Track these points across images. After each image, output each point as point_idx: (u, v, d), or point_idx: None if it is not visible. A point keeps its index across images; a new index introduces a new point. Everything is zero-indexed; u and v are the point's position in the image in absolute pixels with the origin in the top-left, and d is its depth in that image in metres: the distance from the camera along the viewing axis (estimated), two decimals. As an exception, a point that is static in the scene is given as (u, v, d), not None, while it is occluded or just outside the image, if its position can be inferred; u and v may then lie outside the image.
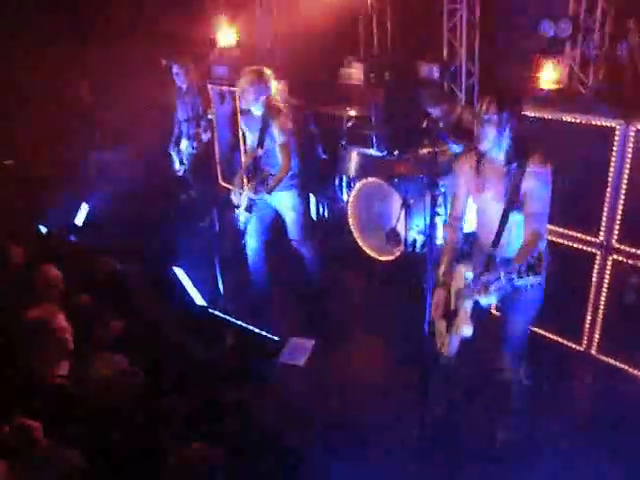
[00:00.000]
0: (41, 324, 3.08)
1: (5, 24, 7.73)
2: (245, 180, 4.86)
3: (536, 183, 2.96)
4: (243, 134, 5.03)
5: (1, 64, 7.68)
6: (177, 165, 6.93)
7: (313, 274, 5.20)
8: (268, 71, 4.69)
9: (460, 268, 3.14)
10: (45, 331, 3.06)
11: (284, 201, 4.85)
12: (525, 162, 2.96)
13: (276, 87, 4.82)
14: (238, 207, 4.83)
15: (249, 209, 4.77)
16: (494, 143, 2.97)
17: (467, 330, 3.04)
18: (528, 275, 2.62)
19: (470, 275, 3.03)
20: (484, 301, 2.89)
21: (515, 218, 3.03)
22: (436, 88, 5.99)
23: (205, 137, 6.74)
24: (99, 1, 8.25)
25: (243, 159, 5.06)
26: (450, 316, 3.17)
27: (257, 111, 4.68)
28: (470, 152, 3.17)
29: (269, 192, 4.68)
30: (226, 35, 7.58)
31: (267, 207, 4.91)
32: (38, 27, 7.87)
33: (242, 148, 5.19)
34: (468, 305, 3.03)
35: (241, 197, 4.80)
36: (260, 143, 4.70)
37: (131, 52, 8.61)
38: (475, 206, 3.27)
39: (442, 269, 3.21)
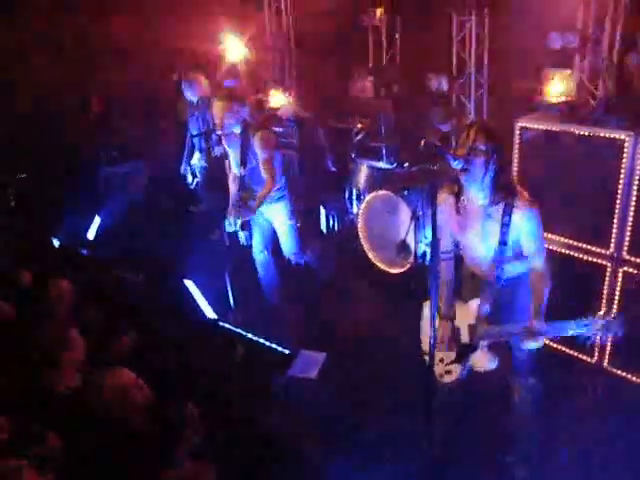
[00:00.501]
0: (54, 337, 3.12)
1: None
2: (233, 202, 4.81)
3: (529, 223, 2.88)
4: (227, 154, 4.97)
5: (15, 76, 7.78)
6: (190, 179, 6.97)
7: (318, 274, 5.24)
8: (238, 92, 4.71)
9: (472, 304, 3.11)
10: (58, 344, 3.10)
11: (275, 213, 4.86)
12: (512, 203, 2.86)
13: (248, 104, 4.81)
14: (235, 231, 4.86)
15: (244, 227, 4.79)
16: (478, 176, 2.81)
17: (493, 364, 3.07)
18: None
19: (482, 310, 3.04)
20: (531, 345, 2.84)
21: (509, 254, 2.98)
22: (445, 105, 6.02)
23: (217, 151, 6.73)
24: (109, 14, 8.32)
25: (230, 182, 4.98)
26: (464, 349, 3.13)
27: (237, 130, 4.64)
28: (448, 189, 3.04)
29: (253, 212, 4.67)
30: (236, 49, 7.67)
31: (264, 220, 4.93)
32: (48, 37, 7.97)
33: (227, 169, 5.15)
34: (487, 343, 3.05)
35: (233, 222, 4.79)
36: (243, 162, 4.66)
37: (142, 66, 8.71)
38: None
39: (442, 301, 3.16)
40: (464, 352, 3.11)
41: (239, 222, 4.74)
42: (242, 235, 4.86)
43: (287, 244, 5.01)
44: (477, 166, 2.78)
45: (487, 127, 2.85)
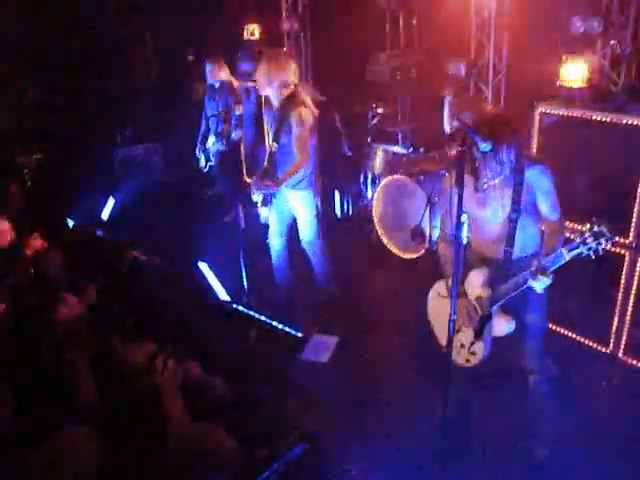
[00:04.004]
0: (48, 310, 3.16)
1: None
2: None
3: (540, 181, 2.92)
4: (268, 129, 4.82)
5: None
6: (203, 162, 6.94)
7: (322, 275, 5.04)
8: (286, 54, 4.47)
9: (471, 276, 3.14)
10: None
11: (299, 201, 4.68)
12: (522, 162, 2.90)
13: (294, 73, 4.44)
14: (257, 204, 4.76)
15: (265, 203, 4.65)
16: (502, 155, 2.84)
17: (511, 326, 3.11)
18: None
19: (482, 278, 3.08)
20: (540, 285, 2.82)
21: (523, 221, 2.99)
22: (461, 94, 5.94)
23: (235, 135, 6.62)
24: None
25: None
26: (481, 322, 3.14)
27: (275, 100, 4.44)
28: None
29: (277, 185, 4.44)
30: (252, 31, 7.62)
31: (285, 206, 4.78)
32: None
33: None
34: (498, 305, 3.07)
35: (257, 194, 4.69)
36: (276, 136, 4.44)
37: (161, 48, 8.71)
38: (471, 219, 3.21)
39: (449, 282, 3.11)
40: (481, 326, 3.14)
41: (261, 195, 4.62)
42: (263, 212, 4.71)
43: (305, 231, 4.84)
44: (502, 147, 2.80)
45: (505, 111, 2.87)
